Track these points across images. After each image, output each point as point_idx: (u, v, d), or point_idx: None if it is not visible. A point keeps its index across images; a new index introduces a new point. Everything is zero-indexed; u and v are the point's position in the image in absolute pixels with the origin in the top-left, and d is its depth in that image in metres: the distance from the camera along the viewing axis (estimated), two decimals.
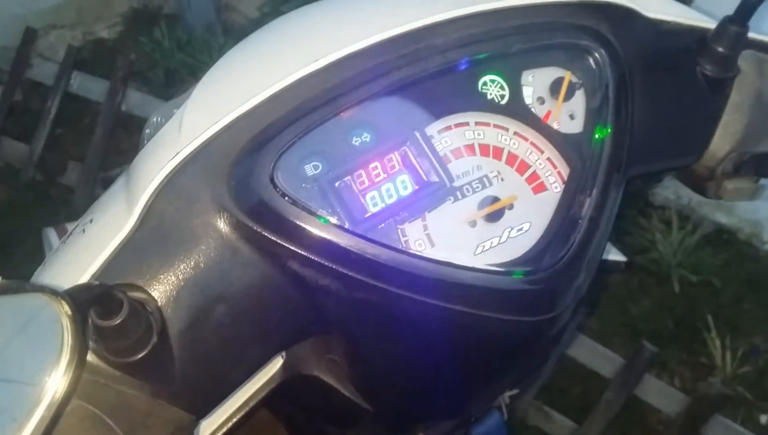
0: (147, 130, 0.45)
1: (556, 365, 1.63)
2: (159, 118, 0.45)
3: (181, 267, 0.37)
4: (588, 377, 1.67)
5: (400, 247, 0.39)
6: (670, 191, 2.17)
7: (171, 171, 0.37)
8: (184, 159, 0.38)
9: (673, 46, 0.49)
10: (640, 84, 0.47)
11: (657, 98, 0.48)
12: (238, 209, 0.37)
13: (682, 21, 0.49)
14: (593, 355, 1.58)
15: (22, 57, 2.09)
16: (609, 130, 0.44)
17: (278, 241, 0.37)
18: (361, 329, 0.42)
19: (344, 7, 0.44)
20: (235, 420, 0.50)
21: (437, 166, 0.41)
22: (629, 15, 0.48)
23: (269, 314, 0.39)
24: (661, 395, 1.55)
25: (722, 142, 0.51)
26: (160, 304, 0.36)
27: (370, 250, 0.38)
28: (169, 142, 0.39)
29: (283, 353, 0.52)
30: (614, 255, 0.64)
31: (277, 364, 0.52)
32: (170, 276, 0.37)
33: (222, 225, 0.37)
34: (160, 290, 0.37)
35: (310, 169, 0.39)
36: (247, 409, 0.51)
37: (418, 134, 0.41)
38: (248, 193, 0.37)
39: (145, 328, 0.35)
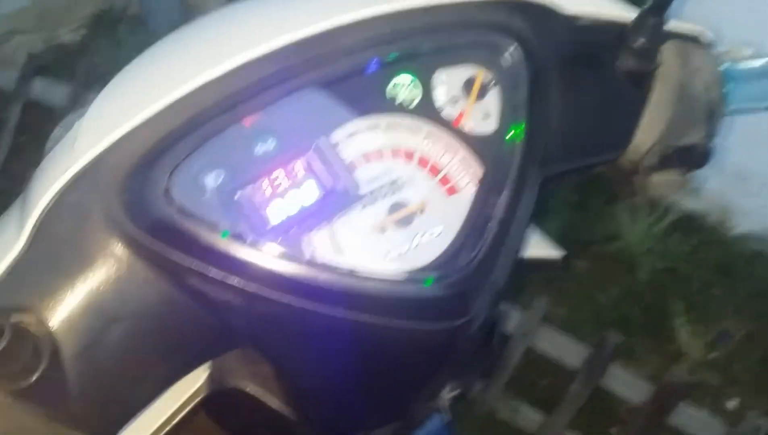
0: (48, 144, 0.44)
1: (523, 357, 1.64)
2: (60, 131, 0.44)
3: (74, 288, 0.36)
4: (556, 368, 1.67)
5: (303, 257, 0.38)
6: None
7: (62, 187, 0.36)
8: (75, 174, 0.36)
9: (591, 41, 0.48)
10: (558, 81, 0.46)
11: (577, 94, 0.47)
12: (131, 224, 0.36)
13: (600, 16, 0.49)
14: (558, 345, 1.59)
15: None
16: (522, 128, 0.43)
17: (174, 257, 0.36)
18: (272, 342, 0.41)
19: (247, 12, 0.43)
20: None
21: (342, 172, 0.40)
22: (544, 11, 0.47)
23: (171, 332, 0.38)
24: (626, 385, 1.55)
25: (646, 135, 0.50)
26: (51, 326, 0.35)
27: (268, 262, 0.37)
28: (64, 156, 0.37)
29: (209, 365, 0.51)
30: (550, 251, 0.63)
31: (201, 377, 0.51)
32: (62, 297, 0.36)
33: (115, 242, 0.36)
34: (52, 312, 0.35)
35: (211, 180, 0.38)
36: (172, 424, 0.50)
37: (322, 140, 0.40)
38: (141, 207, 0.36)
39: (32, 352, 0.34)
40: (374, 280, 0.39)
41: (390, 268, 0.40)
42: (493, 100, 0.44)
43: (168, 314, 0.37)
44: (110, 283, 0.36)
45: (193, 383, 0.51)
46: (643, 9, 0.47)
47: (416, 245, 0.41)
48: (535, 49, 0.45)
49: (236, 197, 0.38)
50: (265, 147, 0.39)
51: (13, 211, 0.40)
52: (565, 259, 0.65)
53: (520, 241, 0.44)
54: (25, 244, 0.36)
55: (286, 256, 0.38)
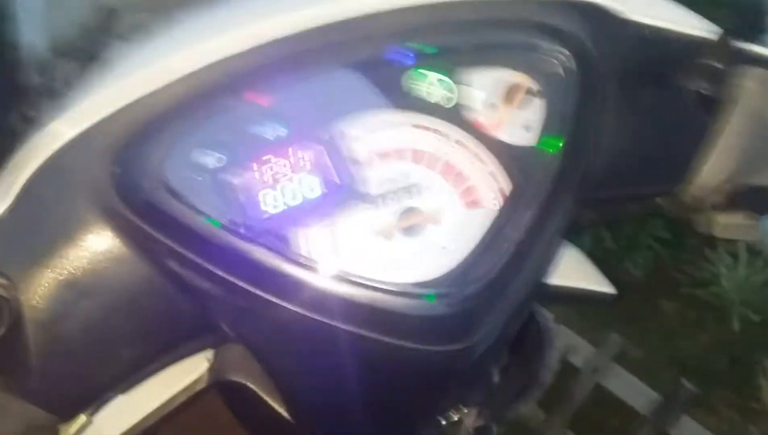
0: None
1: (591, 394, 1.56)
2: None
3: (49, 255, 0.34)
4: (628, 410, 1.58)
5: (295, 253, 0.35)
6: None
7: (55, 151, 0.35)
8: (71, 139, 0.35)
9: (660, 54, 0.44)
10: (614, 96, 0.42)
11: (635, 114, 0.43)
12: (117, 198, 0.34)
13: (675, 27, 0.44)
14: (629, 387, 1.50)
15: (101, 37, 2.14)
16: (561, 145, 0.39)
17: (156, 236, 0.34)
18: (253, 340, 0.38)
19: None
20: (153, 421, 0.47)
21: (351, 169, 0.37)
22: (609, 16, 0.42)
23: (144, 315, 0.36)
24: None
25: (714, 170, 0.45)
26: (20, 291, 0.34)
27: (256, 253, 0.34)
28: (62, 119, 0.36)
29: (210, 356, 0.49)
30: (600, 285, 0.58)
31: (201, 367, 0.49)
32: (35, 263, 0.34)
33: (99, 214, 0.34)
34: (22, 277, 0.34)
35: (210, 162, 0.36)
36: (167, 410, 0.48)
37: (336, 132, 0.37)
38: (130, 181, 0.34)
39: None
40: (370, 288, 0.36)
41: (390, 278, 0.36)
42: (536, 111, 0.40)
43: (143, 295, 0.35)
44: (88, 255, 0.34)
45: (193, 372, 0.49)
46: (728, 29, 0.42)
47: (423, 257, 0.37)
48: (592, 59, 0.40)
49: (234, 182, 0.36)
50: (274, 132, 0.37)
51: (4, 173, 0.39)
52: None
53: (542, 266, 0.40)
54: (10, 206, 0.34)
55: (276, 249, 0.35)
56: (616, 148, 0.42)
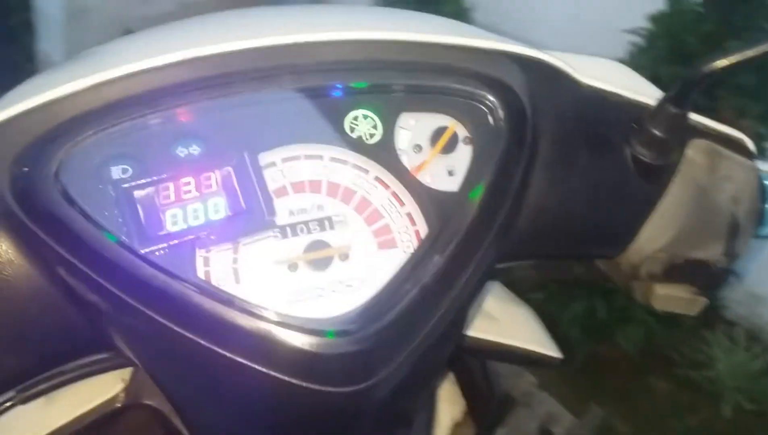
0: None
1: None
2: None
3: None
4: None
5: (188, 276, 0.34)
6: (743, 307, 2.01)
7: None
8: None
9: (602, 117, 0.43)
10: (550, 152, 0.41)
11: (571, 173, 0.42)
12: (12, 198, 0.34)
13: (620, 91, 0.43)
14: None
15: None
16: (482, 193, 0.38)
17: (49, 241, 0.33)
18: (144, 359, 0.37)
19: (221, 18, 0.41)
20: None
21: (262, 195, 0.36)
22: (556, 75, 0.42)
23: (33, 324, 0.35)
24: None
25: (650, 238, 0.44)
26: None
27: (145, 272, 0.33)
28: None
29: (126, 376, 0.48)
30: (547, 349, 0.56)
31: (116, 386, 0.48)
32: None
33: None
34: None
35: (116, 172, 0.35)
36: (77, 426, 0.47)
37: (247, 157, 0.36)
38: (27, 181, 0.34)
39: None
40: (264, 318, 0.34)
41: (291, 311, 0.35)
42: (462, 157, 0.39)
43: (31, 303, 0.34)
44: None
45: (108, 392, 0.48)
46: (666, 95, 0.41)
47: (327, 293, 0.36)
48: (525, 113, 0.40)
49: (136, 195, 0.35)
50: (186, 150, 0.36)
51: None
52: (563, 362, 0.58)
53: (455, 313, 0.38)
54: None
55: (170, 270, 0.34)
56: (548, 206, 0.41)
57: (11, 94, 0.37)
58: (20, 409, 0.40)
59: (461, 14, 1.81)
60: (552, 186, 0.41)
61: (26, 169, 0.34)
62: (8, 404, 0.39)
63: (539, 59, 0.41)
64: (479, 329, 0.53)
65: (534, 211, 0.40)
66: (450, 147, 0.39)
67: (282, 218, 0.36)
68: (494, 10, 1.89)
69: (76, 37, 1.98)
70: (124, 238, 0.34)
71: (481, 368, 0.63)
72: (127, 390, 0.48)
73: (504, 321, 0.56)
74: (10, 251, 0.34)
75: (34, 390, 0.39)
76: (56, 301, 0.34)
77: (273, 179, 0.37)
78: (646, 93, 0.44)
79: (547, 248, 0.43)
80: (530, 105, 0.40)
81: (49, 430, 0.46)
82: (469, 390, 0.59)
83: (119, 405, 0.48)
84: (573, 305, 1.66)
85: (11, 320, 0.35)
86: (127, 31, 2.07)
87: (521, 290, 0.58)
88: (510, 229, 0.40)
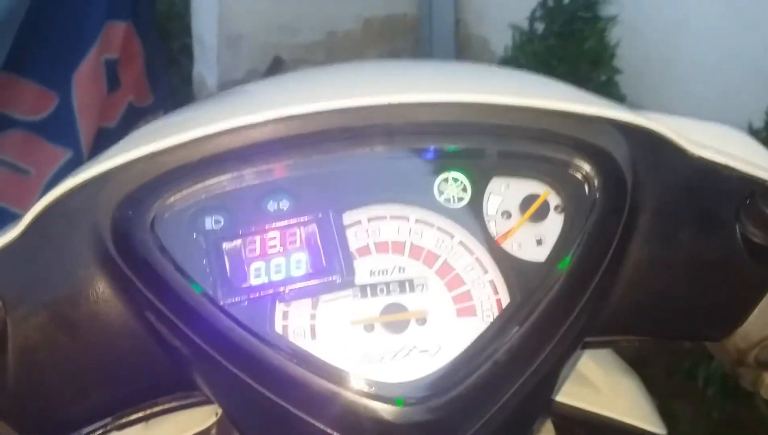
0: None
1: None
2: None
3: (42, 286, 0.37)
4: None
5: (269, 328, 0.35)
6: None
7: (68, 189, 0.37)
8: (84, 180, 0.37)
9: (713, 192, 0.40)
10: (650, 226, 0.39)
11: (673, 249, 0.39)
12: (112, 243, 0.36)
13: (736, 165, 0.40)
14: None
15: None
16: (569, 265, 0.36)
17: (141, 286, 0.35)
18: (225, 405, 0.38)
19: (324, 73, 0.42)
20: None
21: (343, 254, 0.37)
22: (662, 144, 0.40)
23: (120, 359, 0.37)
24: None
25: (761, 324, 0.40)
26: (9, 314, 0.36)
27: (223, 323, 0.35)
28: (88, 164, 0.39)
29: (218, 411, 0.50)
30: (650, 424, 0.53)
31: (209, 419, 0.50)
32: (29, 291, 0.36)
33: (95, 256, 0.36)
34: (16, 303, 0.36)
35: (209, 223, 0.37)
36: None
37: (332, 215, 0.37)
38: (126, 228, 0.36)
39: None
40: (337, 381, 0.35)
41: (362, 373, 0.35)
42: (552, 226, 0.38)
43: (122, 342, 0.37)
44: (76, 294, 0.36)
45: (200, 423, 0.50)
46: None
47: (401, 357, 0.36)
48: (624, 183, 0.38)
49: (225, 247, 0.36)
50: (276, 204, 0.37)
51: None
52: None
53: (532, 387, 0.37)
54: (18, 235, 0.37)
55: (248, 323, 0.35)
56: (645, 283, 0.39)
57: (124, 142, 0.40)
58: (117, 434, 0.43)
59: (604, 49, 1.76)
60: (651, 262, 0.39)
61: (126, 215, 0.36)
62: (102, 431, 0.42)
63: (644, 127, 0.39)
64: (575, 396, 0.51)
65: (629, 287, 0.38)
66: (540, 215, 0.38)
67: (362, 277, 0.37)
68: (638, 45, 1.82)
69: (229, 62, 2.10)
70: (209, 288, 0.35)
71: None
72: (218, 423, 0.49)
73: (606, 391, 0.53)
74: (106, 292, 0.36)
75: (127, 419, 0.41)
76: (145, 342, 0.36)
77: (356, 238, 0.37)
78: (763, 165, 0.41)
79: (643, 326, 0.41)
80: (631, 175, 0.38)
81: None
82: None
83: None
84: (711, 362, 1.56)
85: (104, 356, 0.37)
86: (277, 59, 2.17)
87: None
88: (600, 304, 0.38)
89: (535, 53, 1.82)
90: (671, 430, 0.55)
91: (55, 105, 1.54)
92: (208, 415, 0.50)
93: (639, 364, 0.59)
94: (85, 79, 1.54)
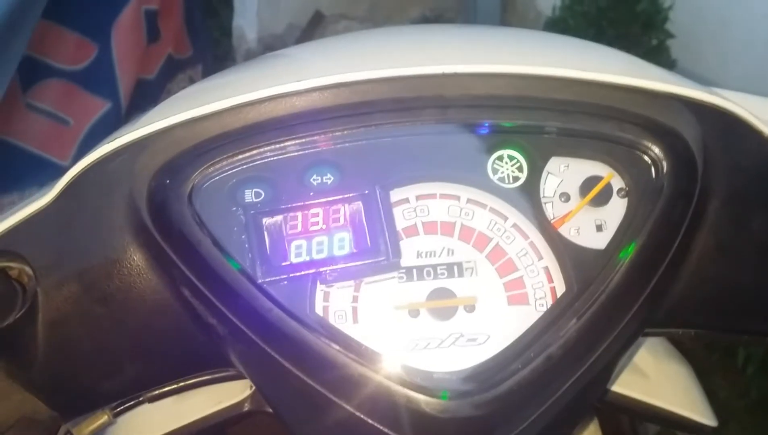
0: None
1: None
2: None
3: (74, 255, 0.35)
4: None
5: (308, 309, 0.34)
6: None
7: (104, 154, 0.35)
8: (121, 145, 0.35)
9: None
10: (719, 213, 0.36)
11: (746, 240, 0.37)
12: (147, 214, 0.34)
13: None
14: None
15: (305, 38, 2.25)
16: (633, 252, 0.34)
17: (176, 259, 0.34)
18: (258, 383, 0.37)
19: (373, 37, 0.39)
20: (187, 433, 0.47)
21: (388, 234, 0.34)
22: (737, 125, 0.37)
23: (153, 333, 0.36)
24: None
25: None
26: (40, 283, 0.34)
27: (261, 303, 0.33)
28: (125, 128, 0.37)
29: (252, 385, 0.49)
30: (699, 415, 0.51)
31: (243, 392, 0.49)
32: (61, 260, 0.35)
33: (128, 225, 0.35)
34: (45, 271, 0.35)
35: (249, 195, 0.35)
36: (202, 426, 0.48)
37: (379, 192, 0.35)
38: (163, 198, 0.34)
39: (10, 298, 0.33)
40: (379, 369, 0.33)
41: (405, 361, 0.33)
42: (614, 211, 0.35)
43: (156, 317, 0.35)
44: (109, 264, 0.35)
45: (235, 396, 0.49)
46: None
47: (447, 345, 0.34)
48: (694, 167, 0.35)
49: (264, 221, 0.34)
50: (319, 178, 0.35)
51: None
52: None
53: (587, 382, 0.34)
54: (51, 199, 0.35)
55: (287, 303, 0.33)
56: (713, 274, 0.36)
57: (163, 106, 0.38)
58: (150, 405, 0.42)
59: (657, 12, 1.69)
60: (719, 252, 0.36)
61: (164, 184, 0.34)
62: (134, 402, 0.40)
63: (719, 106, 0.36)
64: (625, 385, 0.48)
65: (696, 279, 0.36)
66: (602, 199, 0.35)
67: (408, 259, 0.35)
68: (693, 9, 1.75)
69: (269, 16, 2.07)
70: (247, 265, 0.34)
71: (629, 420, 0.58)
72: (252, 396, 0.48)
73: (656, 379, 0.51)
74: (141, 264, 0.35)
75: (160, 391, 0.40)
76: (180, 318, 0.35)
77: (404, 217, 0.35)
78: None
79: (708, 320, 0.38)
80: (702, 159, 0.35)
81: (176, 427, 0.47)
82: None
83: (245, 410, 0.48)
84: None
85: (138, 330, 0.35)
86: (317, 14, 2.13)
87: None
88: (663, 297, 0.35)
89: (585, 14, 1.75)
90: None
91: (95, 55, 1.53)
92: (242, 387, 0.49)
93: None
94: (125, 30, 1.52)
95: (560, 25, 1.78)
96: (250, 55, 2.05)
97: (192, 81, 1.63)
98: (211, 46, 1.77)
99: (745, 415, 1.55)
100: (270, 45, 2.06)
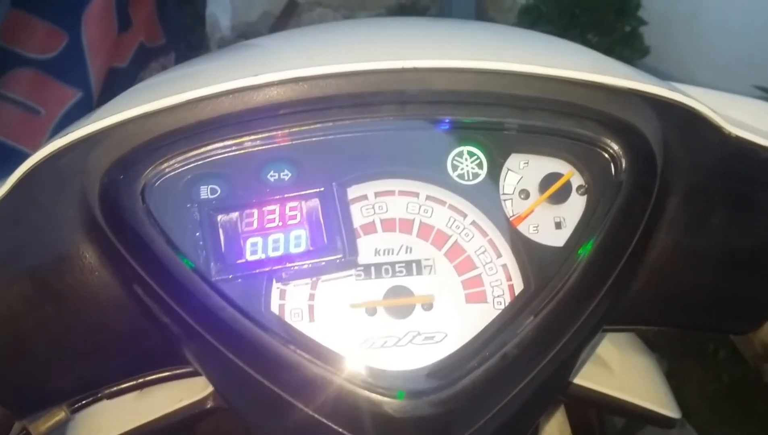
0: None
1: None
2: None
3: (26, 252, 0.34)
4: None
5: (264, 308, 0.33)
6: None
7: (56, 149, 0.35)
8: (73, 140, 0.35)
9: (748, 174, 0.37)
10: (678, 209, 0.36)
11: (705, 237, 0.36)
12: (99, 209, 0.33)
13: None
14: None
15: (279, 26, 2.23)
16: (591, 249, 0.34)
17: (128, 257, 0.33)
18: (214, 381, 0.36)
19: (331, 30, 0.39)
20: (148, 431, 0.47)
21: (345, 231, 0.34)
22: (697, 122, 0.37)
23: (109, 332, 0.35)
24: None
25: None
26: None
27: (214, 302, 0.32)
28: (78, 124, 0.36)
29: None
30: (663, 407, 0.51)
31: (206, 389, 0.48)
32: (12, 257, 0.34)
33: (81, 223, 0.34)
34: None
35: (204, 192, 0.34)
36: (164, 424, 0.48)
37: (336, 188, 0.34)
38: (114, 195, 0.33)
39: None
40: (335, 368, 0.32)
41: (361, 360, 0.33)
42: (573, 208, 0.35)
43: (108, 312, 0.34)
44: (61, 261, 0.34)
45: (197, 393, 0.48)
46: None
47: (404, 344, 0.34)
48: (653, 163, 0.35)
49: (219, 218, 0.34)
50: (276, 174, 0.35)
51: None
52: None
53: (543, 380, 0.34)
54: (2, 195, 0.35)
55: (241, 302, 0.33)
56: (672, 271, 0.36)
57: (118, 100, 0.37)
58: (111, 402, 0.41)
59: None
60: (678, 249, 0.36)
61: (115, 180, 0.33)
62: (91, 399, 0.40)
63: (679, 102, 0.36)
64: (589, 377, 0.48)
65: (655, 276, 0.36)
66: (561, 196, 0.35)
67: (366, 257, 0.34)
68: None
69: (243, 3, 2.05)
70: (201, 263, 0.33)
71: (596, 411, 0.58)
72: (215, 394, 0.48)
73: (620, 372, 0.51)
74: (93, 262, 0.34)
75: (118, 388, 0.40)
76: (134, 316, 0.34)
77: (362, 214, 0.35)
78: None
79: (665, 317, 0.38)
80: (662, 155, 0.35)
81: (136, 425, 0.47)
82: (579, 428, 0.55)
83: (208, 407, 0.48)
84: None
85: (91, 328, 0.35)
86: (291, 2, 2.11)
87: None
88: (622, 294, 0.35)
89: (558, 1, 1.76)
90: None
91: (65, 44, 1.51)
92: (204, 384, 0.48)
93: None
94: (95, 18, 1.50)
95: (534, 12, 1.78)
96: (224, 43, 2.03)
97: (165, 69, 1.61)
98: (184, 34, 1.75)
99: (718, 399, 1.57)
100: (244, 33, 2.04)
